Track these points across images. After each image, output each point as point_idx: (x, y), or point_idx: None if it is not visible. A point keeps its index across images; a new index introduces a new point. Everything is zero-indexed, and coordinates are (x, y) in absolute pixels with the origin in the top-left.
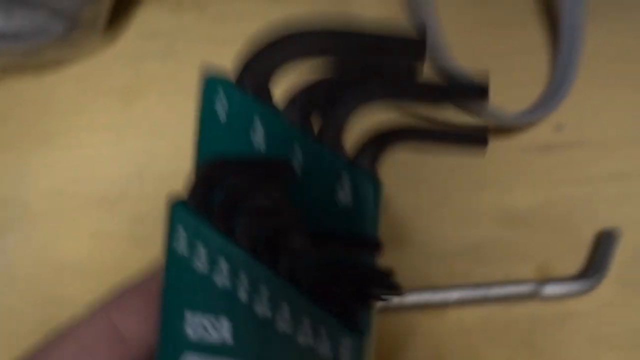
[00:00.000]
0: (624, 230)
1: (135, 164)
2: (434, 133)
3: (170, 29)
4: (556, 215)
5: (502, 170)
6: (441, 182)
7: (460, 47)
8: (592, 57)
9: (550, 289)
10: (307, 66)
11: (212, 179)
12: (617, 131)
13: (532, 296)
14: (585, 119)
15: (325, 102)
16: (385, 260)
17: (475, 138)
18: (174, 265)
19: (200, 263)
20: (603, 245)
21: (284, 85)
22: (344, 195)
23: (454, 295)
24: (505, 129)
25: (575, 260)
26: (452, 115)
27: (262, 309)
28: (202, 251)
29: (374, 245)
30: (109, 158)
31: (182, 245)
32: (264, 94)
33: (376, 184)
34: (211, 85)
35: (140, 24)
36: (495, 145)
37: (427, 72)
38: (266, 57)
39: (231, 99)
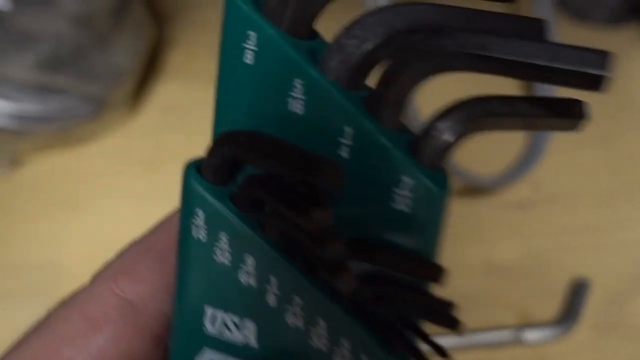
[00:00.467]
0: (596, 278)
1: None
2: (531, 103)
3: (187, 102)
4: (534, 265)
5: (485, 226)
6: None
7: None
8: None
9: (530, 334)
10: None
11: (234, 157)
12: (589, 187)
13: (513, 341)
14: (560, 177)
15: (398, 56)
16: None
17: (573, 110)
18: (190, 249)
19: (222, 253)
20: (576, 293)
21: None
22: (402, 196)
23: (442, 342)
24: (486, 190)
25: (552, 307)
26: None
27: (293, 319)
28: (223, 239)
29: (435, 269)
30: (133, 222)
31: (199, 228)
32: (305, 34)
33: (446, 186)
34: (233, 7)
35: (160, 100)
36: (478, 203)
37: None
38: None
39: (262, 36)
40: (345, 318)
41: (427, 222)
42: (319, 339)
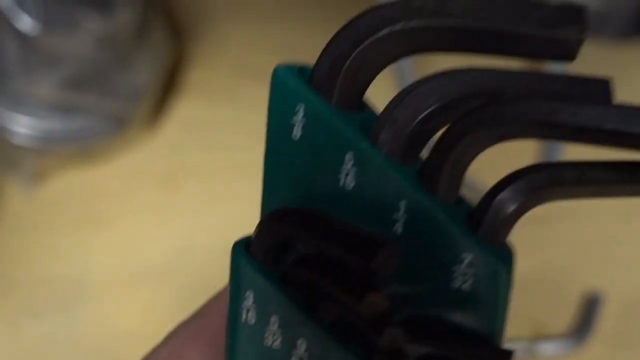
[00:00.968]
0: (610, 291)
1: (178, 241)
2: (602, 169)
3: (207, 119)
4: (548, 278)
5: None
6: None
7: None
8: None
9: (543, 347)
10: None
11: (284, 237)
12: (601, 201)
13: (527, 354)
14: None
15: (455, 125)
16: None
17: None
18: (240, 332)
19: (273, 337)
20: (590, 306)
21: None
22: (463, 274)
23: None
24: None
25: (566, 320)
26: None
27: None
28: (275, 322)
29: (500, 355)
30: (155, 237)
31: (250, 310)
32: (355, 106)
33: (510, 263)
34: (282, 81)
35: (180, 117)
36: None
37: None
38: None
39: (311, 110)
40: None
41: (491, 301)
42: None
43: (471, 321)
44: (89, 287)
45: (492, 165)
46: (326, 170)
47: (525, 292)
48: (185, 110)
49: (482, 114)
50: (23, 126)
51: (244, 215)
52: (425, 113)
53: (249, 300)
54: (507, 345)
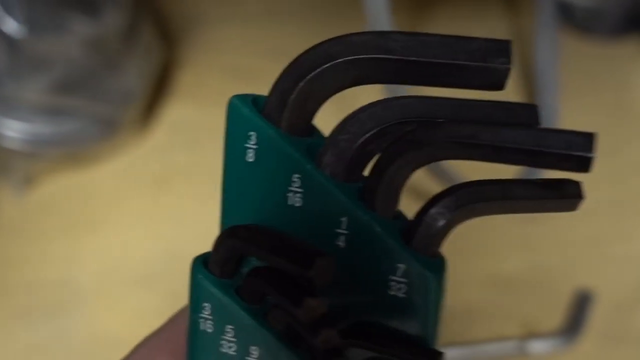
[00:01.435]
0: (600, 289)
1: (168, 245)
2: (525, 186)
3: (197, 122)
4: (539, 277)
5: (490, 239)
6: None
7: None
8: None
9: (534, 346)
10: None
11: (237, 251)
12: (594, 198)
13: (517, 353)
14: None
15: (389, 148)
16: None
17: (569, 191)
18: (198, 341)
19: (228, 345)
20: (580, 304)
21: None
22: (398, 283)
23: (447, 354)
24: None
25: (557, 319)
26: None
27: None
28: (230, 331)
29: (432, 355)
30: (146, 241)
31: (207, 320)
32: (303, 131)
33: (441, 272)
34: (236, 109)
35: (170, 120)
36: (483, 218)
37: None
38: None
39: (262, 136)
40: None
41: (424, 307)
42: None
43: (407, 326)
44: (80, 292)
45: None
46: (276, 190)
47: (516, 290)
48: (176, 114)
49: (412, 137)
50: (12, 130)
51: None
52: (365, 137)
53: (206, 311)
54: (497, 344)
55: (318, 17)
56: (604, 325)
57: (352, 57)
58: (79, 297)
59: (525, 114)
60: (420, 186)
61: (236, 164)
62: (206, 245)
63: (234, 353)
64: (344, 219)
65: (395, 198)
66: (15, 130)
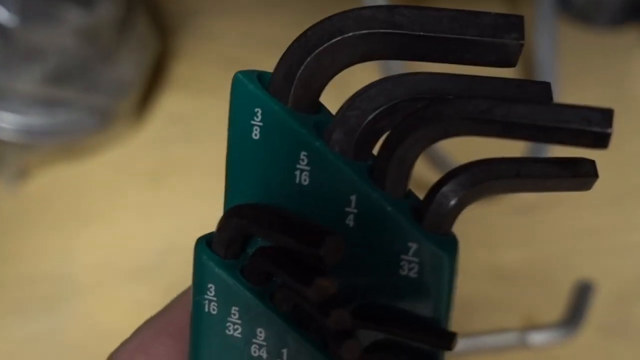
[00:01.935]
0: (601, 280)
1: (164, 238)
2: (539, 165)
3: (193, 113)
4: (539, 268)
5: (489, 230)
6: None
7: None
8: None
9: (535, 337)
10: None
11: (242, 231)
12: (594, 190)
13: (518, 344)
14: None
15: (399, 124)
16: None
17: (584, 169)
18: (203, 323)
19: (234, 327)
20: (581, 295)
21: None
22: (409, 262)
23: None
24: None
25: (557, 310)
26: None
27: None
28: (235, 313)
29: (445, 337)
30: (141, 234)
31: (211, 302)
32: (310, 108)
33: (453, 251)
34: (241, 86)
35: (165, 111)
36: (483, 208)
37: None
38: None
39: (268, 113)
40: None
41: (436, 287)
42: None
43: (419, 307)
44: (75, 285)
45: None
46: (283, 169)
47: (516, 281)
48: (171, 105)
49: (423, 113)
50: (5, 122)
51: None
52: (374, 114)
53: (210, 292)
54: (498, 336)
55: (313, 8)
56: (604, 317)
57: (361, 32)
58: (74, 290)
59: (538, 91)
60: (417, 175)
61: (241, 142)
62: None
63: (239, 335)
64: (353, 198)
65: (406, 176)
66: (8, 122)
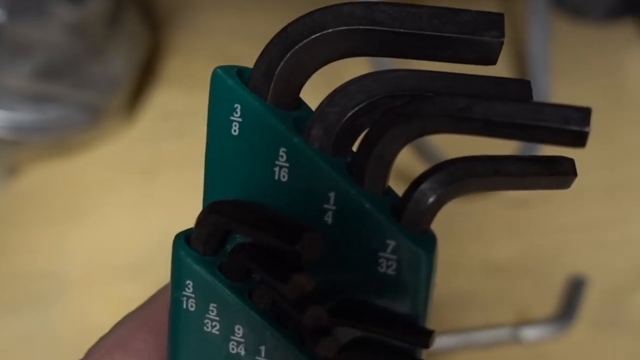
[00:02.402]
0: (593, 275)
1: (156, 235)
2: (518, 163)
3: (185, 109)
4: (531, 263)
5: (482, 225)
6: None
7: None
8: None
9: (528, 332)
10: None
11: (220, 227)
12: (586, 184)
13: (510, 340)
14: None
15: (378, 121)
16: None
17: (563, 168)
18: (181, 320)
19: (212, 324)
20: (573, 290)
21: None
22: (388, 260)
23: (440, 342)
24: None
25: (550, 305)
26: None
27: None
28: (213, 310)
29: (422, 334)
30: (134, 230)
31: (189, 299)
32: (290, 104)
33: (431, 249)
34: (220, 81)
35: (157, 107)
36: (475, 203)
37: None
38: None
39: (247, 108)
40: None
41: (414, 285)
42: None
43: (397, 304)
44: (67, 282)
45: None
46: (262, 165)
47: (509, 276)
48: (163, 100)
49: (402, 110)
50: None
51: None
52: (354, 110)
53: (189, 289)
54: (491, 331)
55: (305, 3)
56: (597, 312)
57: (341, 28)
58: (66, 287)
59: (518, 89)
60: (408, 168)
61: (220, 138)
62: None
63: (217, 332)
64: (331, 194)
65: (385, 173)
66: None
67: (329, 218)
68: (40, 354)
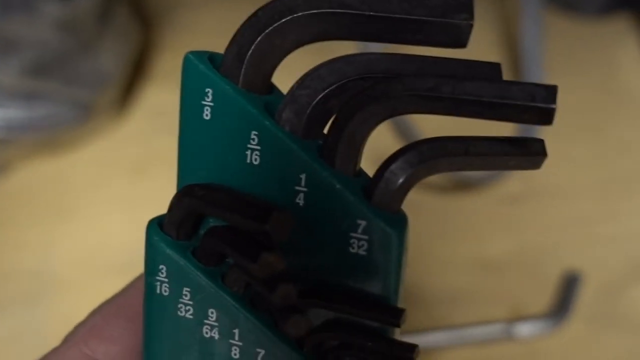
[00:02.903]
0: (587, 271)
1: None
2: (488, 143)
3: (175, 106)
4: (526, 259)
5: (476, 221)
6: (421, 234)
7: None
8: None
9: (522, 328)
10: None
11: (193, 211)
12: (580, 180)
13: (504, 336)
14: (550, 170)
15: (348, 102)
16: None
17: (533, 148)
18: (155, 305)
19: (185, 308)
20: (568, 286)
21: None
22: (359, 240)
23: (434, 338)
24: (478, 185)
25: (545, 301)
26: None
27: None
28: (187, 294)
29: (394, 313)
30: (122, 228)
31: (163, 284)
32: (261, 89)
33: (402, 228)
34: (191, 67)
35: (148, 104)
36: (469, 199)
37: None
38: (268, 39)
39: (219, 93)
40: None
41: (385, 265)
42: None
43: (368, 284)
44: (56, 280)
45: None
46: (234, 148)
47: (503, 272)
48: (154, 97)
49: (371, 91)
50: None
51: None
52: (324, 93)
53: (162, 274)
54: (485, 327)
55: None
56: (591, 307)
57: (311, 11)
58: (56, 286)
59: (488, 71)
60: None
61: (192, 122)
62: None
63: (191, 317)
64: (303, 176)
65: (356, 154)
66: None
67: (300, 200)
68: (28, 353)
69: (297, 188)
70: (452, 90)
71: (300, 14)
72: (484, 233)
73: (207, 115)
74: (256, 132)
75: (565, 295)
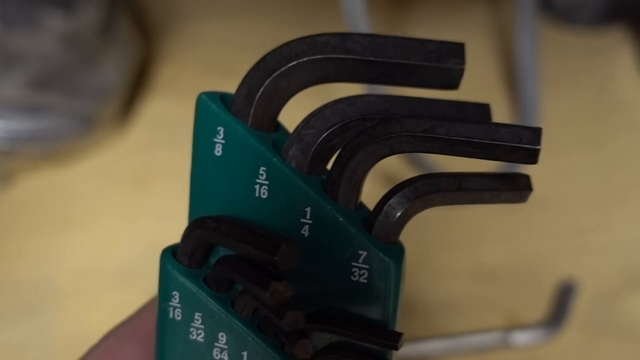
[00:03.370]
0: (583, 280)
1: (147, 243)
2: (479, 179)
3: (177, 118)
4: (522, 268)
5: (472, 229)
6: (418, 243)
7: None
8: (550, 121)
9: (518, 337)
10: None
11: (204, 241)
12: (577, 189)
13: (501, 344)
14: (548, 179)
15: (351, 141)
16: None
17: (520, 183)
18: (167, 329)
19: (197, 332)
20: (564, 295)
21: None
22: (360, 269)
23: (430, 347)
24: None
25: (540, 309)
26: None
27: None
28: (198, 319)
29: (392, 337)
30: (124, 238)
31: (176, 309)
32: (269, 127)
33: (400, 259)
34: (204, 106)
35: (150, 115)
36: (466, 207)
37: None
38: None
39: (230, 131)
40: None
41: (384, 292)
42: None
43: (369, 310)
44: (58, 290)
45: None
46: (244, 183)
47: (499, 281)
48: (155, 109)
49: (372, 131)
50: None
51: None
52: (328, 132)
53: (175, 299)
54: (481, 336)
55: (295, 12)
56: (587, 316)
57: (316, 57)
58: (57, 296)
59: (477, 112)
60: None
61: (204, 158)
62: None
63: (202, 340)
64: (308, 209)
65: (357, 189)
66: None
67: (305, 231)
68: None
69: (303, 220)
70: (446, 132)
71: (306, 59)
72: (481, 242)
73: (218, 151)
74: (264, 168)
75: (561, 304)
